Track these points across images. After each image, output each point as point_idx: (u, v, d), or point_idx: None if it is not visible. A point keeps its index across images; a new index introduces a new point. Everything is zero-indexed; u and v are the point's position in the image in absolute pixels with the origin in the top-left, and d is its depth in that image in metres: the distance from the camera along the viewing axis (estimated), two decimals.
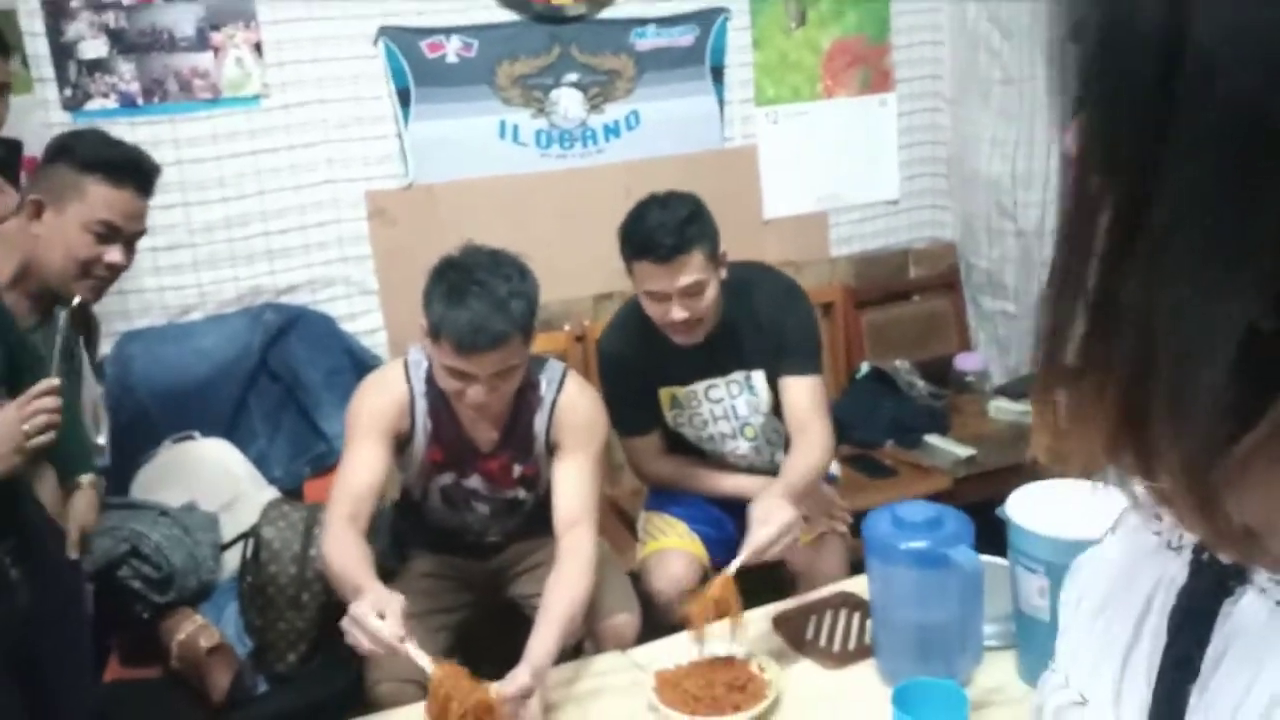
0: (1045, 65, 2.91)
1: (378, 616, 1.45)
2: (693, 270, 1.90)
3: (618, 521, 2.50)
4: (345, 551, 1.64)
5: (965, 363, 3.12)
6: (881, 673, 1.60)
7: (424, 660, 1.47)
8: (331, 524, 1.70)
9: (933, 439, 2.79)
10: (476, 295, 1.65)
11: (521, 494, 1.92)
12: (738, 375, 2.08)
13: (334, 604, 1.99)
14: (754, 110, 3.06)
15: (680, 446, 2.16)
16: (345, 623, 1.49)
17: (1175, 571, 0.51)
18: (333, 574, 1.65)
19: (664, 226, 1.89)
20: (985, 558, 1.61)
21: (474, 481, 1.89)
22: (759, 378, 2.07)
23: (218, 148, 2.52)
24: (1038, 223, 2.99)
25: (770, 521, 1.68)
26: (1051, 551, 1.46)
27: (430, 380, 1.81)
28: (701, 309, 1.94)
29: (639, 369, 2.07)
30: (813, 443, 1.94)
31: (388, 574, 1.74)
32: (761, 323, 2.03)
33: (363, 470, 1.75)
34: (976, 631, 1.59)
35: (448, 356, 1.68)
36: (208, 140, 2.51)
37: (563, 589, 1.69)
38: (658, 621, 1.96)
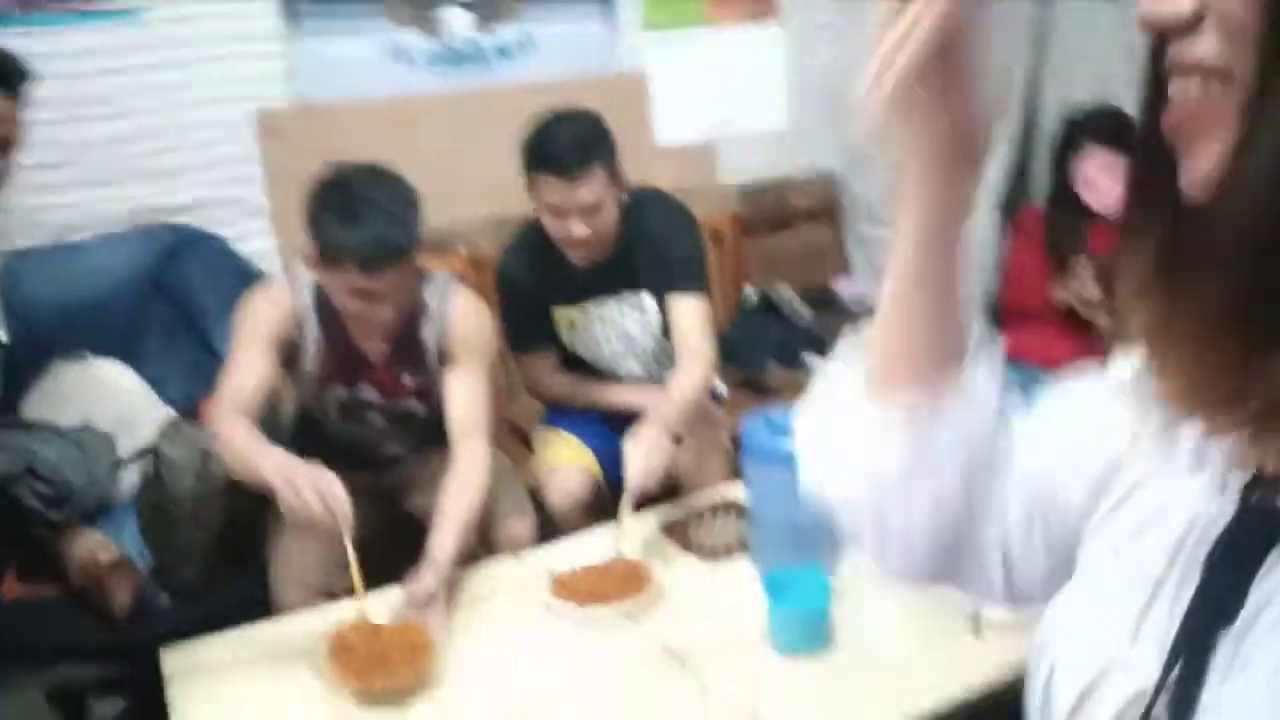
0: None
1: (305, 489, 1.52)
2: (594, 186, 1.94)
3: (514, 439, 2.59)
4: (244, 433, 1.67)
5: (845, 288, 3.29)
6: (757, 565, 1.75)
7: (352, 553, 1.57)
8: (223, 416, 1.72)
9: (813, 360, 2.96)
10: (369, 214, 1.65)
11: (415, 406, 1.97)
12: (631, 296, 2.15)
13: (236, 517, 2.05)
14: (644, 36, 3.10)
15: (575, 365, 2.24)
16: (299, 478, 1.54)
17: (1217, 511, 0.49)
18: (235, 452, 1.67)
19: (567, 142, 1.93)
20: None
21: (368, 393, 1.93)
22: (649, 299, 2.16)
23: (101, 62, 2.43)
24: None
25: (634, 456, 1.79)
26: None
27: (318, 294, 1.83)
28: (601, 226, 1.99)
29: (536, 288, 2.13)
30: (695, 362, 2.04)
31: None
32: (654, 245, 2.11)
33: (249, 373, 1.76)
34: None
35: (350, 278, 1.69)
36: (90, 54, 2.42)
37: (459, 493, 1.77)
38: (552, 532, 2.05)
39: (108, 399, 2.23)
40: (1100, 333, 2.46)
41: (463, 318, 1.90)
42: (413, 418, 1.99)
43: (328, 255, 1.69)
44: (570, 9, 2.99)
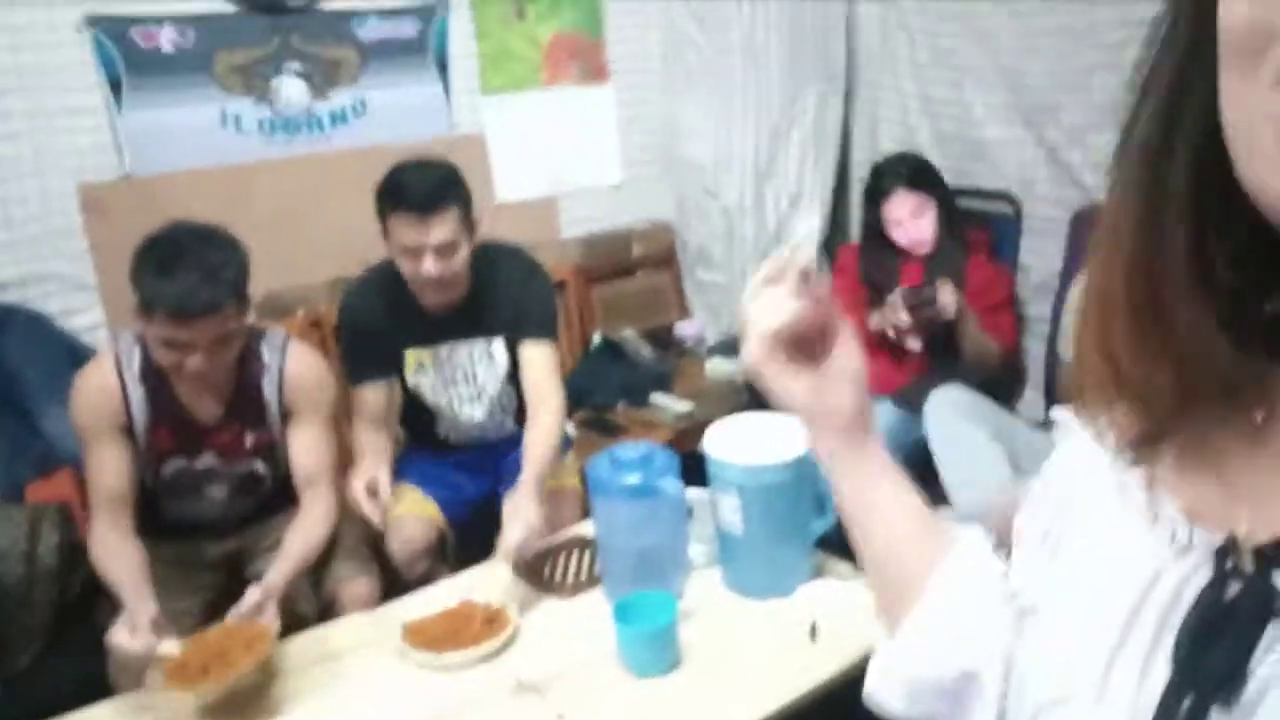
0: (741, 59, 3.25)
1: (129, 632, 1.58)
2: (448, 226, 1.98)
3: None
4: (112, 563, 1.73)
5: (684, 329, 3.43)
6: (608, 596, 1.81)
7: (176, 650, 1.58)
8: (96, 536, 1.77)
9: (658, 397, 3.07)
10: (187, 266, 1.68)
11: (259, 467, 1.96)
12: (480, 342, 2.19)
13: (68, 599, 1.97)
14: (480, 99, 3.19)
15: (415, 407, 2.25)
16: (107, 641, 1.61)
17: (1184, 572, 0.46)
18: (107, 586, 1.73)
19: (422, 182, 1.99)
20: (695, 490, 1.86)
21: (207, 460, 1.91)
22: (499, 346, 2.20)
23: None
24: (737, 201, 3.34)
25: (516, 521, 1.82)
26: (739, 475, 1.72)
27: (145, 364, 1.82)
28: (454, 267, 2.03)
29: (381, 323, 2.13)
30: (546, 413, 2.08)
31: None
32: (504, 294, 2.16)
33: (105, 472, 1.79)
34: (684, 550, 1.84)
35: (163, 328, 1.70)
36: None
37: (301, 532, 1.82)
38: (398, 581, 2.06)
39: None
40: (911, 356, 2.66)
41: (300, 370, 1.92)
42: (257, 481, 1.98)
43: (143, 305, 1.71)
44: (405, 75, 3.05)
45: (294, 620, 1.76)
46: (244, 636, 1.58)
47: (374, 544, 2.12)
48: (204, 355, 1.74)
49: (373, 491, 1.96)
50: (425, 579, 2.01)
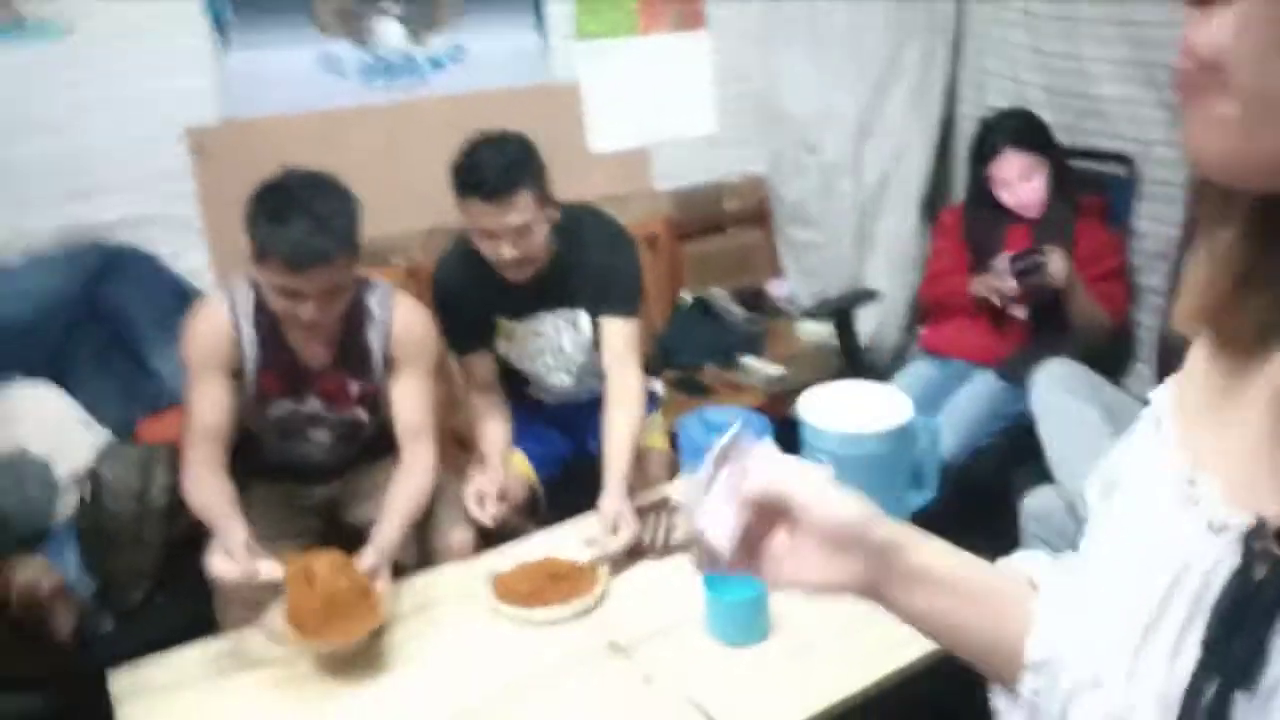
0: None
1: (224, 556, 1.63)
2: (521, 210, 1.94)
3: (457, 449, 2.62)
4: (202, 492, 1.75)
5: (776, 289, 3.37)
6: None
7: (278, 571, 1.61)
8: (188, 468, 1.79)
9: (748, 360, 3.03)
10: (299, 214, 1.69)
11: (363, 415, 1.99)
12: (565, 313, 2.17)
13: (178, 538, 2.05)
14: (576, 45, 3.15)
15: (505, 374, 2.26)
16: (207, 569, 1.66)
17: (1217, 555, 0.46)
18: (197, 515, 1.76)
19: (494, 165, 1.93)
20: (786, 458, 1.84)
21: (312, 405, 1.94)
22: (584, 316, 2.17)
23: (26, 82, 2.40)
24: (837, 156, 3.25)
25: (620, 532, 1.84)
26: (835, 443, 1.70)
27: (258, 307, 1.85)
28: (531, 248, 2.00)
29: (472, 297, 2.15)
30: (628, 402, 2.05)
31: None
32: (589, 264, 2.12)
33: (207, 408, 1.81)
34: None
35: (277, 276, 1.73)
36: (16, 73, 2.39)
37: (406, 485, 1.85)
38: (489, 535, 2.07)
39: (41, 424, 2.21)
40: (1014, 325, 2.57)
41: (406, 322, 1.93)
42: (358, 428, 2.01)
43: (257, 252, 1.73)
44: (503, 20, 3.02)
45: (395, 569, 1.80)
46: (355, 580, 1.62)
47: None
48: (315, 304, 1.76)
49: (483, 500, 2.00)
50: (515, 534, 2.03)
